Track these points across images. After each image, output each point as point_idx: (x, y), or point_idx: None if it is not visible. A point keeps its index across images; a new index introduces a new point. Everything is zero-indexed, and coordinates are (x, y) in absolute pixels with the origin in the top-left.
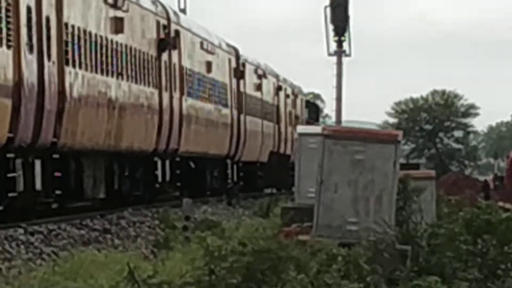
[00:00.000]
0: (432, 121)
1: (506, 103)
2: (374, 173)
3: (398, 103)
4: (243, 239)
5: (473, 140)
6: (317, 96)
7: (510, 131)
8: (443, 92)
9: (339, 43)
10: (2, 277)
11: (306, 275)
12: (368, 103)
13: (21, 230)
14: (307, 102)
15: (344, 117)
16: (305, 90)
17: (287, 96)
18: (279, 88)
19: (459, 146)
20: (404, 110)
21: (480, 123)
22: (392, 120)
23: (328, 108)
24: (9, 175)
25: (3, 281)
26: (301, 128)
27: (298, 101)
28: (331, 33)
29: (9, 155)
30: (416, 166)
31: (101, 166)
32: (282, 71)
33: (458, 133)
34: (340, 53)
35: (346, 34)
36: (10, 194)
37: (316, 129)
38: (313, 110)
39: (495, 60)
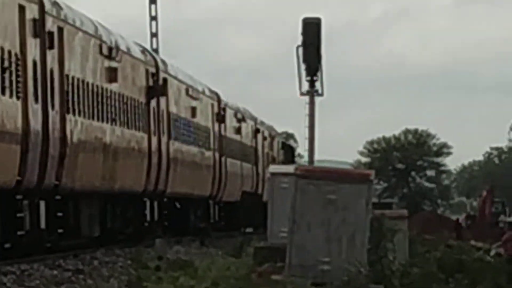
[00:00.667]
0: (404, 160)
1: (478, 142)
2: (347, 212)
3: (370, 142)
4: (216, 279)
5: (446, 179)
6: (291, 136)
7: (483, 170)
8: (416, 131)
9: (311, 83)
10: None
11: None
12: (340, 142)
13: None
14: (283, 144)
15: (316, 157)
16: (279, 129)
17: (264, 138)
18: (257, 131)
19: (432, 185)
20: (377, 149)
21: (452, 162)
22: (364, 159)
23: (301, 148)
24: (18, 215)
25: None
26: (273, 168)
27: (275, 143)
28: (303, 73)
29: (18, 197)
30: (389, 205)
31: (97, 206)
32: (255, 110)
33: (431, 172)
34: (312, 92)
35: (318, 74)
36: (19, 233)
37: (288, 168)
38: (289, 152)
39: (468, 100)
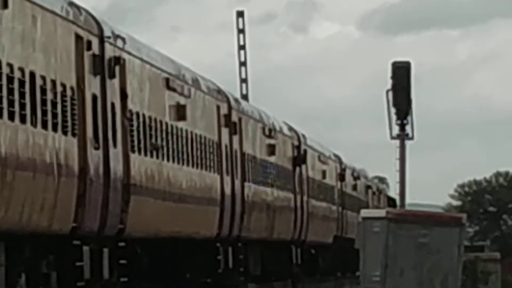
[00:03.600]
0: (496, 203)
1: None
2: (439, 256)
3: (461, 186)
4: None
5: None
6: (382, 180)
7: None
8: (507, 173)
9: (402, 127)
10: None
11: None
12: (431, 186)
13: None
14: (388, 197)
15: (408, 200)
16: (371, 173)
17: (373, 193)
18: (368, 187)
19: None
20: (468, 192)
21: None
22: (455, 202)
23: (392, 191)
24: (77, 263)
25: None
26: (364, 212)
27: (382, 197)
28: (394, 117)
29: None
30: (481, 248)
31: (165, 253)
32: (345, 155)
33: None
34: (402, 136)
35: (409, 118)
36: (79, 283)
37: (380, 212)
38: (392, 205)
39: None
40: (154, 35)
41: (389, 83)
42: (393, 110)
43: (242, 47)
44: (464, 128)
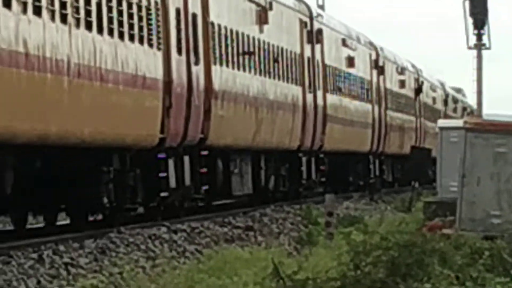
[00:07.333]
0: None
1: None
2: None
3: None
4: (386, 234)
5: None
6: (459, 90)
7: None
8: None
9: (479, 37)
10: (147, 275)
11: (451, 269)
12: (509, 96)
13: (164, 229)
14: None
15: (485, 111)
16: (448, 84)
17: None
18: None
19: None
20: None
21: None
22: None
23: (470, 102)
24: (160, 174)
25: (148, 280)
26: (442, 122)
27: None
28: (471, 27)
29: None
30: None
31: (248, 163)
32: (422, 65)
33: None
34: (479, 46)
35: (485, 28)
36: (162, 194)
37: (457, 122)
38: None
39: None
40: None
41: None
42: (470, 20)
43: None
44: None
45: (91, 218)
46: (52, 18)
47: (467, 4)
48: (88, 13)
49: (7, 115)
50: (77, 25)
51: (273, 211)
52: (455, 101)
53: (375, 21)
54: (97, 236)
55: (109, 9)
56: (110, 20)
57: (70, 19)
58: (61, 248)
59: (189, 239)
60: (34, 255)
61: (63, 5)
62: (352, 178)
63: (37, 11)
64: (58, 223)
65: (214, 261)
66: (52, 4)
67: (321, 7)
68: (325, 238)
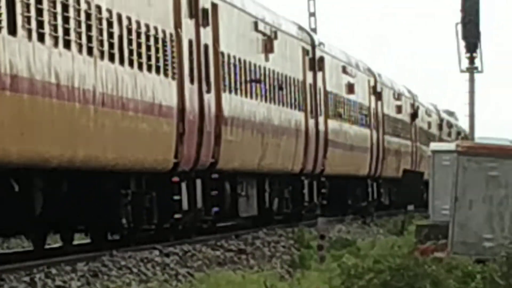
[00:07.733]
0: None
1: None
2: (509, 189)
3: None
4: (379, 257)
5: None
6: (451, 114)
7: None
8: None
9: (471, 60)
10: None
11: None
12: (501, 119)
13: (156, 252)
14: (458, 132)
15: (477, 134)
16: (440, 107)
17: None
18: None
19: None
20: None
21: None
22: None
23: (462, 125)
24: (175, 197)
25: None
26: (434, 145)
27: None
28: (463, 50)
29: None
30: None
31: (253, 186)
32: (415, 88)
33: None
34: (472, 69)
35: (478, 51)
36: (176, 215)
37: (449, 146)
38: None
39: None
40: None
41: (459, 16)
42: (462, 43)
43: None
44: None
45: (110, 238)
46: (80, 51)
47: (459, 27)
48: (111, 45)
49: (41, 141)
50: (101, 57)
51: (266, 234)
52: (450, 125)
53: (367, 45)
54: (89, 259)
55: (129, 42)
56: (131, 52)
57: (95, 51)
58: (53, 271)
59: (181, 262)
60: (26, 278)
61: (89, 39)
62: (351, 201)
63: (67, 45)
64: (75, 242)
65: (206, 285)
66: (80, 37)
67: (314, 30)
68: (318, 261)
